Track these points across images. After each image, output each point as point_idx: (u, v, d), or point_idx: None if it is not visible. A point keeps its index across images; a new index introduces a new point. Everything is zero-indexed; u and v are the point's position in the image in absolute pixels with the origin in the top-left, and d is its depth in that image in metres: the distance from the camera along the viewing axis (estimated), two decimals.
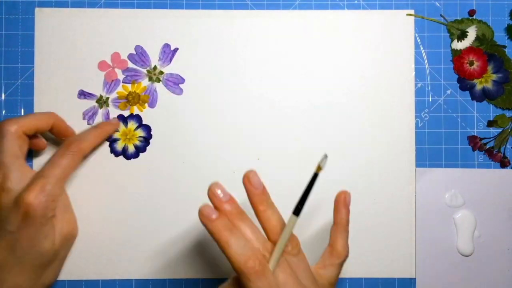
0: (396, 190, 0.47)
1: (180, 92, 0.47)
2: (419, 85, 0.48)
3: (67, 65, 0.47)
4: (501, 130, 0.48)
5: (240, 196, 0.47)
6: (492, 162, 0.48)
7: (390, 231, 0.47)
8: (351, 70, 0.48)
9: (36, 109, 0.47)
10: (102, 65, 0.47)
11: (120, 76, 0.47)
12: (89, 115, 0.47)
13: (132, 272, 0.47)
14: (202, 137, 0.47)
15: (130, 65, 0.47)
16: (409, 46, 0.48)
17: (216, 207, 0.36)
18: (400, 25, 0.48)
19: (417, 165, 0.47)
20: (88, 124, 0.47)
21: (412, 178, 0.47)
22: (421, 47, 0.48)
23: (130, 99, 0.47)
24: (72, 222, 0.45)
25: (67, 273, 0.47)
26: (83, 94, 0.47)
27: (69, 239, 0.44)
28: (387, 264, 0.47)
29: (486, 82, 0.48)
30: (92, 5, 0.48)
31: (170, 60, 0.47)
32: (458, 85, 0.48)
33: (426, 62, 0.48)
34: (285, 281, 0.35)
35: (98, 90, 0.47)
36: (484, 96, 0.48)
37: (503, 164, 0.48)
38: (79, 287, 0.47)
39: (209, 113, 0.47)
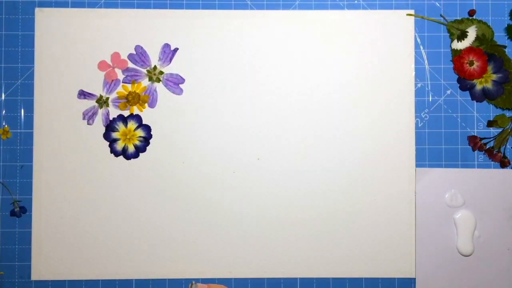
0: (396, 190, 0.47)
1: (180, 92, 0.47)
2: (419, 85, 0.48)
3: (67, 65, 0.47)
4: (501, 130, 0.48)
5: (240, 196, 0.47)
6: (492, 162, 0.48)
7: (390, 231, 0.47)
8: (351, 70, 0.48)
9: (36, 109, 0.47)
10: (102, 65, 0.47)
11: (120, 76, 0.47)
12: (89, 115, 0.47)
13: (132, 272, 0.47)
14: (202, 137, 0.47)
15: (130, 65, 0.47)
16: (409, 46, 0.48)
17: None
18: (400, 25, 0.48)
19: (417, 165, 0.47)
20: (88, 124, 0.47)
21: (412, 178, 0.47)
22: (421, 47, 0.48)
23: (130, 99, 0.47)
24: None
25: (67, 273, 0.47)
26: (83, 94, 0.47)
27: None
28: (387, 264, 0.47)
29: (486, 82, 0.48)
30: (92, 5, 0.48)
31: (170, 60, 0.47)
32: (458, 85, 0.48)
33: (426, 62, 0.48)
34: None
35: (98, 90, 0.47)
36: (484, 96, 0.48)
37: (503, 164, 0.48)
38: (79, 287, 0.47)
39: (209, 113, 0.47)
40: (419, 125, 0.48)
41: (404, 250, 0.47)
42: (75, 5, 0.47)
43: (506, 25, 0.48)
